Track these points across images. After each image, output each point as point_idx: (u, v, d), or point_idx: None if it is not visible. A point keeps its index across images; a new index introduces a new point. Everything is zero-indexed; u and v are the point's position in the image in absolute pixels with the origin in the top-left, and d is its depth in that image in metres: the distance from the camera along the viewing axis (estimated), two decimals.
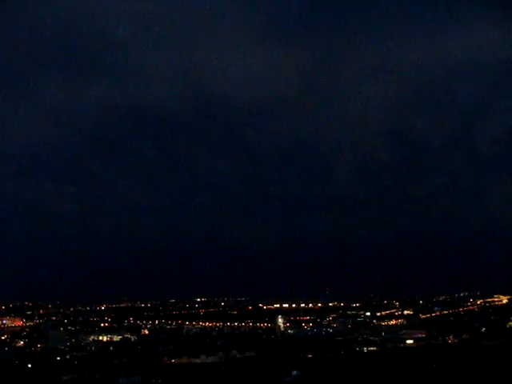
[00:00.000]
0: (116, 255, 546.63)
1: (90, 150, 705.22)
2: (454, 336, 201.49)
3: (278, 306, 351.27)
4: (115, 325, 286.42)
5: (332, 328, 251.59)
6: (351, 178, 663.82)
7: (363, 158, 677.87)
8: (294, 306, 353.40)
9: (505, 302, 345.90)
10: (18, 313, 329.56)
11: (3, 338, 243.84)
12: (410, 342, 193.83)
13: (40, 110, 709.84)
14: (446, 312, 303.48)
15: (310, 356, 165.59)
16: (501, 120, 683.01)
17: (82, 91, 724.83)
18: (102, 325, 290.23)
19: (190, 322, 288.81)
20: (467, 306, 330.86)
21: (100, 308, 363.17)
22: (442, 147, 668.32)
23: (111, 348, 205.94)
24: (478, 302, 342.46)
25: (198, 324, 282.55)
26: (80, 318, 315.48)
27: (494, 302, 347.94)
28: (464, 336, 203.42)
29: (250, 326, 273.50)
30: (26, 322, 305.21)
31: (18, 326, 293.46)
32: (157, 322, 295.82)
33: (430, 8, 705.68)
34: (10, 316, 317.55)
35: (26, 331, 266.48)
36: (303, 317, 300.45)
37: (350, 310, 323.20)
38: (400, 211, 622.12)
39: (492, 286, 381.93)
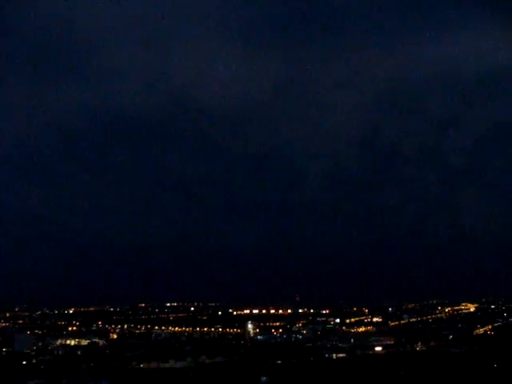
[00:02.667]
0: (85, 258, 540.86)
1: (62, 152, 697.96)
2: (422, 343, 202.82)
3: (248, 311, 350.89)
4: (83, 329, 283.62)
5: (301, 334, 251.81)
6: (322, 185, 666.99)
7: (334, 166, 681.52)
8: (263, 311, 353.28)
9: (472, 310, 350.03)
10: None
11: None
12: (378, 349, 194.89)
13: (12, 111, 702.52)
14: (414, 320, 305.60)
15: (279, 362, 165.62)
16: (470, 131, 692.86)
17: (54, 92, 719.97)
18: (70, 329, 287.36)
19: (160, 326, 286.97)
20: (435, 313, 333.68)
21: (68, 312, 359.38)
22: (412, 157, 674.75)
23: (79, 352, 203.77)
24: (446, 310, 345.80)
25: (168, 329, 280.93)
26: (47, 322, 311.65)
27: (461, 310, 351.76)
28: (432, 343, 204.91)
29: (219, 331, 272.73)
30: None
31: None
32: (126, 326, 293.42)
33: (404, 19, 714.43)
34: None
35: None
36: (273, 323, 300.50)
37: (320, 317, 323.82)
38: (370, 219, 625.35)
39: (460, 295, 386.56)
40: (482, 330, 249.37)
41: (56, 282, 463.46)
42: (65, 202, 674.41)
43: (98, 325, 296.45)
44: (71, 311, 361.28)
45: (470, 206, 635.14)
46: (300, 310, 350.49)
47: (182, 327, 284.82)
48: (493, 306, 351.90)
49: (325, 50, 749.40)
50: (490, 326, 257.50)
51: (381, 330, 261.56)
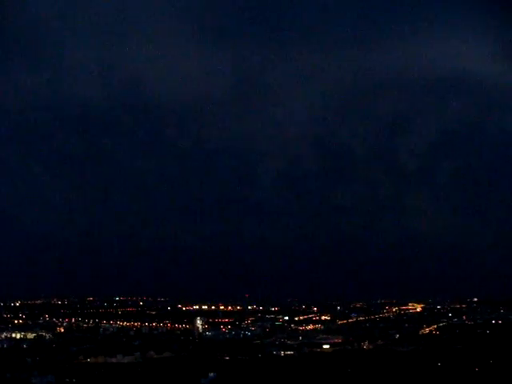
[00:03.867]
0: (33, 251, 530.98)
1: (10, 142, 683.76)
2: (370, 342, 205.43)
3: (197, 307, 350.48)
4: (30, 322, 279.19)
5: (250, 331, 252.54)
6: (275, 184, 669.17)
7: (288, 165, 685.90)
8: (213, 307, 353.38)
9: (419, 310, 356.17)
10: None
11: None
12: (326, 346, 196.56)
13: None
14: (362, 318, 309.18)
15: (227, 358, 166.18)
16: (421, 135, 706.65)
17: (5, 82, 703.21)
18: (16, 321, 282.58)
19: (108, 320, 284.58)
20: (383, 313, 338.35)
21: (14, 304, 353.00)
22: (365, 158, 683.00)
23: (24, 346, 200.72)
24: (394, 310, 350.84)
25: (116, 323, 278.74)
26: None
27: (408, 309, 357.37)
28: (379, 342, 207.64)
29: (168, 326, 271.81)
30: None
31: None
32: (73, 319, 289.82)
33: (359, 21, 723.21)
34: None
35: None
36: (222, 319, 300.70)
37: (269, 314, 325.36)
38: (321, 219, 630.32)
39: (407, 295, 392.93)
40: (427, 330, 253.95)
41: (2, 273, 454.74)
42: (11, 194, 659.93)
43: (44, 318, 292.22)
44: (17, 304, 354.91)
45: (419, 207, 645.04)
46: (249, 307, 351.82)
47: (130, 322, 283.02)
48: (439, 307, 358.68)
49: (279, 50, 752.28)
50: (435, 326, 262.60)
51: (329, 328, 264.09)
